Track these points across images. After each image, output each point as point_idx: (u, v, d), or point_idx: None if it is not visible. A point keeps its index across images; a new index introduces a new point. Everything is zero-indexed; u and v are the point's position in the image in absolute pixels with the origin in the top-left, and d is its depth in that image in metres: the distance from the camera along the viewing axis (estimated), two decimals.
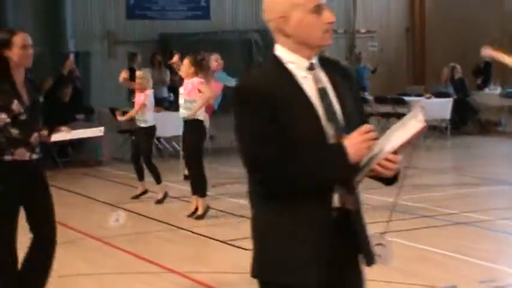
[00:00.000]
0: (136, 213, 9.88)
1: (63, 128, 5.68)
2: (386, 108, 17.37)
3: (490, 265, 7.14)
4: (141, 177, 10.69)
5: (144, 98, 10.35)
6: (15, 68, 5.27)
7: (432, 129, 17.98)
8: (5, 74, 5.24)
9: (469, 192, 10.77)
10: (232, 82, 11.33)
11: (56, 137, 5.60)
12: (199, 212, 9.23)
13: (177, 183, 11.28)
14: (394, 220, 9.00)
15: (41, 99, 5.51)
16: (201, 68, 9.51)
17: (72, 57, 16.03)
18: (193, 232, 8.65)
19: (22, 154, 5.24)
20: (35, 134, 5.32)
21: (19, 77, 5.30)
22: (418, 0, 27.40)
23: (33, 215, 5.38)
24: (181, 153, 10.46)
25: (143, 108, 10.32)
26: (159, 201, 10.34)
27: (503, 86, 18.54)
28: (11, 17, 21.11)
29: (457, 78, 18.47)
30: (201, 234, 8.53)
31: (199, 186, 9.28)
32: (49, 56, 20.70)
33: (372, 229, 3.06)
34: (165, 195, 10.38)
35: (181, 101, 9.43)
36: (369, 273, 6.81)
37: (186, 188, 11.14)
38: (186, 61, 9.37)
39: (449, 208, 9.52)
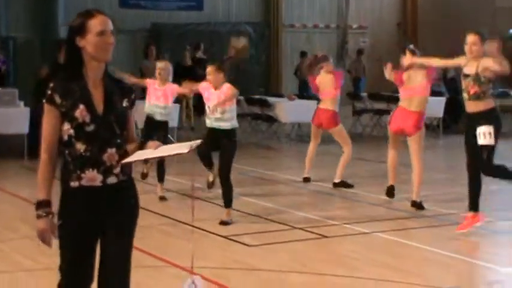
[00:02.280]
0: None
1: (151, 144, 3.98)
2: (381, 105, 17.44)
3: (494, 267, 7.16)
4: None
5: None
6: (90, 62, 3.90)
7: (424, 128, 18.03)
8: (75, 70, 3.92)
9: (466, 192, 10.77)
10: None
11: (135, 156, 3.95)
12: (226, 218, 8.96)
13: (172, 176, 11.20)
14: (395, 219, 9.04)
15: (127, 103, 4.04)
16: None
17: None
18: (194, 226, 8.61)
19: (92, 178, 3.93)
20: (110, 151, 3.95)
21: (94, 74, 3.93)
22: None
23: (105, 253, 4.07)
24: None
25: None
26: (162, 198, 10.23)
27: (494, 86, 18.59)
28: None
29: (449, 78, 18.53)
30: (201, 229, 8.51)
31: (231, 199, 8.95)
32: (38, 43, 20.57)
33: None
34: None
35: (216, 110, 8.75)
36: (371, 273, 6.77)
37: (183, 181, 11.14)
38: (212, 69, 8.80)
39: (449, 208, 9.54)
